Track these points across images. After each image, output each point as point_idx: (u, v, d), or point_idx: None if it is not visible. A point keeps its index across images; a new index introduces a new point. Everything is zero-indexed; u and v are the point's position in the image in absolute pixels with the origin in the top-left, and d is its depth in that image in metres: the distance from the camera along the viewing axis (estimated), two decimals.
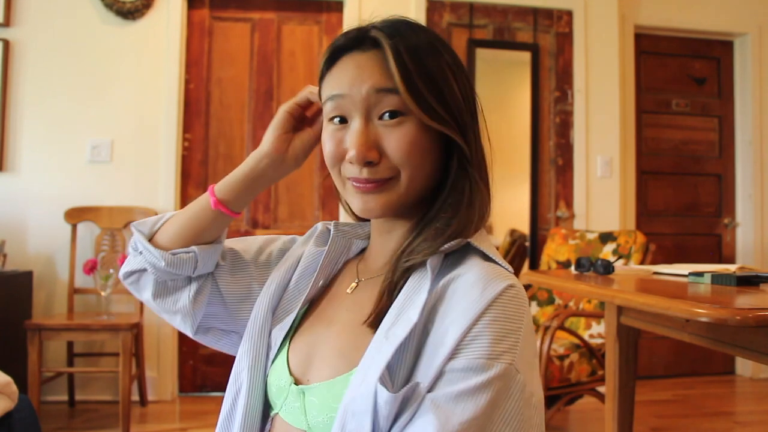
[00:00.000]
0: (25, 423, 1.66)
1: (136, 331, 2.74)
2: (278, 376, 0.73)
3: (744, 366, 3.72)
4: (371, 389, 0.57)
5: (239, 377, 0.76)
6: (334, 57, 0.70)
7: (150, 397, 3.01)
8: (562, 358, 2.32)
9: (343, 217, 0.82)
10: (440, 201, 0.70)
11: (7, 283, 2.68)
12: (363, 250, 0.83)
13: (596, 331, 2.56)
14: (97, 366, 2.99)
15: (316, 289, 0.79)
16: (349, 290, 0.76)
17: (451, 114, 0.67)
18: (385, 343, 0.60)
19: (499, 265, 0.65)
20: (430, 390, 0.57)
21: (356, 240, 0.83)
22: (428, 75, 0.66)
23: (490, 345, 0.57)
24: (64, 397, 2.93)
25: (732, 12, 3.73)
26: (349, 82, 0.67)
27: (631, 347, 1.79)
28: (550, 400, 2.31)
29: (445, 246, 0.65)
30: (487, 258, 0.66)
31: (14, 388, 1.64)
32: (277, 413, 0.72)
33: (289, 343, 0.75)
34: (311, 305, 0.79)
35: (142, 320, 2.86)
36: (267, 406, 0.75)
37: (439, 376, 0.57)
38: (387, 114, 0.66)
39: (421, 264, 0.65)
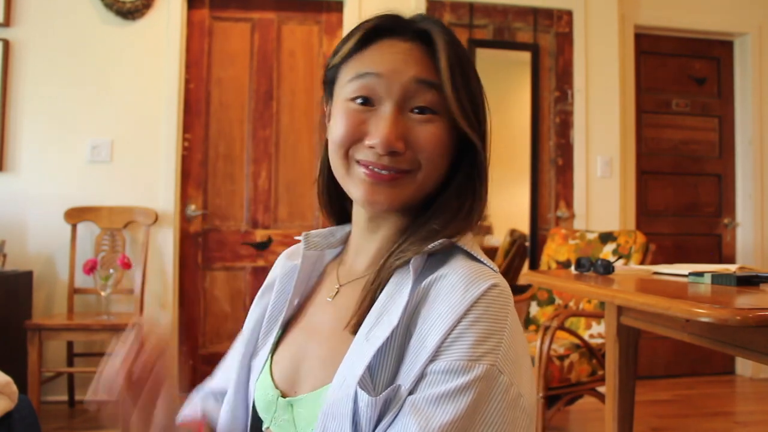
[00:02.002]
0: (25, 423, 1.66)
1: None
2: (264, 391, 0.71)
3: (744, 366, 3.72)
4: (351, 392, 0.57)
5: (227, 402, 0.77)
6: (368, 37, 0.67)
7: None
8: (562, 358, 2.31)
9: None
10: (439, 203, 0.68)
11: (7, 283, 2.68)
12: (340, 253, 0.80)
13: (596, 331, 2.56)
14: (97, 366, 2.98)
15: (293, 308, 0.77)
16: (329, 297, 0.74)
17: (479, 120, 0.67)
18: (366, 345, 0.59)
19: (485, 264, 0.64)
20: (411, 392, 0.56)
21: (329, 250, 0.80)
22: (467, 77, 0.66)
23: (471, 346, 0.56)
24: (64, 397, 2.93)
25: (732, 12, 3.73)
26: (390, 65, 0.64)
27: (631, 347, 1.79)
28: (550, 400, 2.31)
29: (429, 246, 0.64)
30: (472, 258, 0.65)
31: (14, 388, 1.64)
32: (268, 427, 0.71)
33: (272, 357, 0.74)
34: (292, 316, 0.77)
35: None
36: (259, 421, 0.73)
37: (420, 378, 0.56)
38: (418, 109, 0.65)
39: (404, 264, 0.64)
